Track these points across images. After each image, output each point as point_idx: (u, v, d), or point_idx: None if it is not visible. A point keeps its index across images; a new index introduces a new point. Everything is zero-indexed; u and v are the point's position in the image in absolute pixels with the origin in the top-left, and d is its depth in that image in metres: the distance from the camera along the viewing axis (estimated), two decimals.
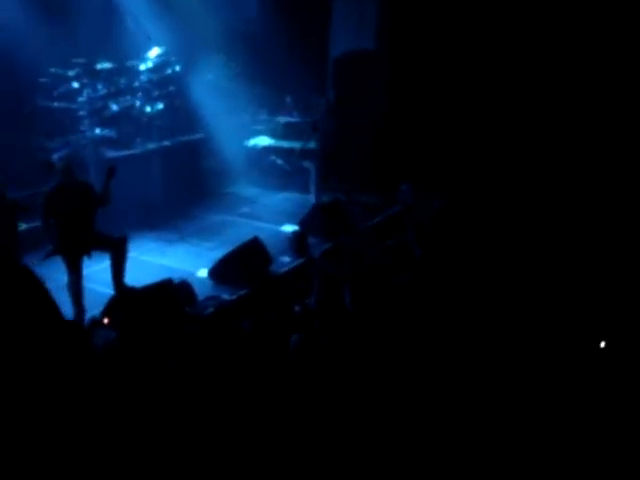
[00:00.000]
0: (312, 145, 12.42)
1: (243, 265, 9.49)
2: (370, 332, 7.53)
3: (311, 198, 12.16)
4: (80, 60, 12.11)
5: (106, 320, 7.91)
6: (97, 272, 9.09)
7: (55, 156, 8.71)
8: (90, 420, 5.95)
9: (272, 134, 14.01)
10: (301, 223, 11.14)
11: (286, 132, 13.56)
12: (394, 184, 12.25)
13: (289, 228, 11.31)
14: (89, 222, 8.47)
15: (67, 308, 8.16)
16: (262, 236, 10.07)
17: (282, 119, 13.89)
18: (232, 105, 13.47)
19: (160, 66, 13.03)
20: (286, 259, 10.28)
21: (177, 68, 13.20)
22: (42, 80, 12.06)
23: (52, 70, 12.05)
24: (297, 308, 8.15)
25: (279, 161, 13.61)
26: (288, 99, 13.33)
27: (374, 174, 12.75)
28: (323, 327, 7.65)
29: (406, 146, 12.74)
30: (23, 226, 8.76)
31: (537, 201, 11.02)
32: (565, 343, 7.34)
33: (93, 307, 8.32)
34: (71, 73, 12.03)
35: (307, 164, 12.53)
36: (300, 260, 10.23)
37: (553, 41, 12.12)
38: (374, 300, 8.25)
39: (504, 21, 12.34)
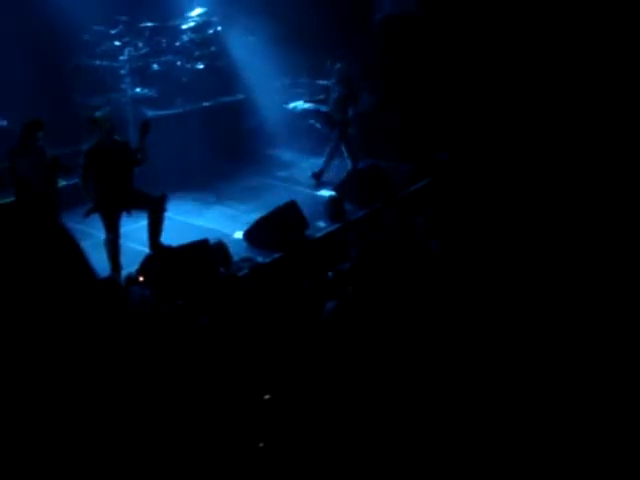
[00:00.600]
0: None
1: (279, 228, 9.51)
2: (402, 300, 7.52)
3: (348, 163, 12.09)
4: (123, 18, 12.15)
5: (141, 278, 8.02)
6: (134, 230, 9.20)
7: (96, 114, 8.73)
8: (125, 369, 6.04)
9: (312, 98, 13.94)
10: (338, 188, 11.11)
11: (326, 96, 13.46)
12: (431, 152, 12.12)
13: (326, 193, 11.29)
14: (127, 180, 8.54)
15: (104, 265, 8.31)
16: (298, 200, 10.07)
17: (322, 83, 13.79)
18: (272, 67, 13.41)
19: (202, 26, 13.00)
20: (322, 224, 10.29)
21: (219, 28, 13.16)
22: (85, 37, 12.13)
23: (95, 28, 12.11)
24: (330, 274, 8.17)
25: (318, 125, 13.55)
26: (328, 63, 13.20)
27: (411, 141, 12.63)
28: (357, 294, 7.65)
29: (445, 113, 12.59)
30: (63, 183, 8.85)
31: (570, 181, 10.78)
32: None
33: (129, 265, 8.46)
34: (113, 31, 12.08)
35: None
36: (336, 226, 10.23)
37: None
38: (406, 269, 8.23)
39: None
